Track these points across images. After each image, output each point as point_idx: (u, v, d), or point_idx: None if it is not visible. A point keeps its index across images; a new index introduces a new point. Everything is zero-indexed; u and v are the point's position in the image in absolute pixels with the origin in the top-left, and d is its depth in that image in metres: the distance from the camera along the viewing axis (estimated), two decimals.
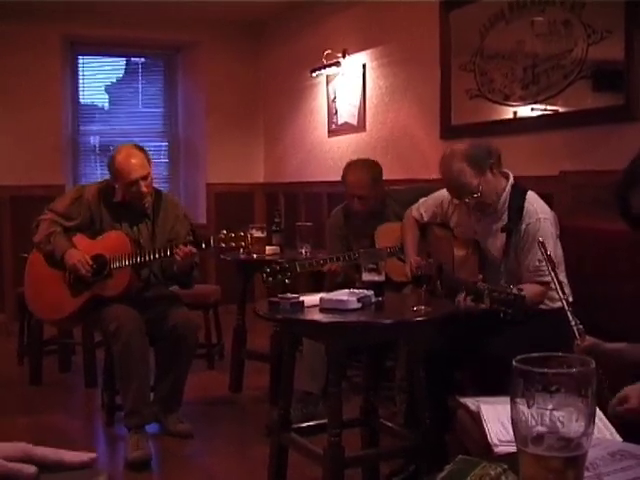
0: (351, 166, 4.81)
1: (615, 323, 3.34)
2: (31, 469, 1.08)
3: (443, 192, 4.03)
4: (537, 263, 3.47)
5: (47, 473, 1.08)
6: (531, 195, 3.65)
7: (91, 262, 4.35)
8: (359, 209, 4.69)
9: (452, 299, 3.46)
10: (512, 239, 3.57)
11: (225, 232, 4.30)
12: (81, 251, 4.38)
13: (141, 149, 4.51)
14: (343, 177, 4.78)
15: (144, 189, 4.40)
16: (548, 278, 3.49)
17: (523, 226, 3.54)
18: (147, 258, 4.32)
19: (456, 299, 3.36)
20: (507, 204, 3.65)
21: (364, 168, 4.78)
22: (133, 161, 4.39)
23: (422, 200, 4.16)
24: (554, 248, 3.56)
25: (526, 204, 3.58)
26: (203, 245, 4.31)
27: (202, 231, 4.73)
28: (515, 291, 3.03)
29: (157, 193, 4.64)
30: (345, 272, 4.56)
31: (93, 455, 1.14)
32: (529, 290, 3.31)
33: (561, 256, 3.64)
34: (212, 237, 4.31)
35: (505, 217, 3.64)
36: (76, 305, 4.43)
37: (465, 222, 3.83)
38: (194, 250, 4.26)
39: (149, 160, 4.50)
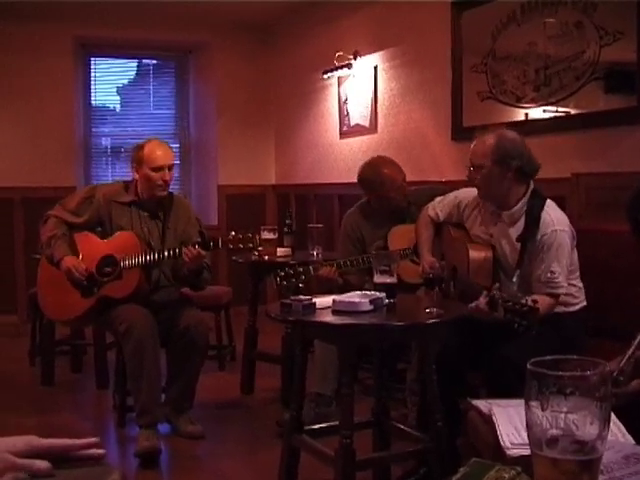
0: (379, 165, 4.77)
1: (627, 324, 3.33)
2: (43, 464, 1.08)
3: (460, 193, 4.01)
4: (549, 275, 3.45)
5: (61, 469, 1.08)
6: (550, 205, 3.61)
7: (85, 266, 4.38)
8: (406, 194, 4.69)
9: (465, 301, 3.45)
10: (527, 248, 3.54)
11: (233, 233, 4.31)
12: (77, 258, 4.42)
13: (167, 144, 4.72)
14: (376, 177, 4.69)
15: (167, 177, 4.47)
16: (559, 290, 3.49)
17: (539, 236, 3.51)
18: (156, 258, 4.34)
19: (471, 304, 3.33)
20: (525, 210, 3.61)
21: (388, 160, 4.87)
22: (161, 150, 4.53)
23: (438, 199, 4.12)
24: (570, 259, 3.54)
25: (544, 214, 3.54)
26: (211, 246, 4.33)
27: (210, 232, 4.74)
28: (530, 303, 3.01)
29: (168, 194, 4.65)
30: (345, 279, 4.51)
31: (102, 451, 1.14)
32: (540, 302, 3.31)
33: (576, 264, 3.63)
34: (220, 238, 4.33)
35: (522, 223, 3.60)
36: (86, 306, 4.45)
37: (481, 225, 3.81)
38: (202, 252, 4.28)
39: (174, 157, 4.68)
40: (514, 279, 3.55)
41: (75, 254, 4.47)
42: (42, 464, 1.08)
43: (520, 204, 3.63)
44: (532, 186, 3.66)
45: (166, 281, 4.59)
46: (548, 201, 3.62)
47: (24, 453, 1.09)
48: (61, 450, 1.12)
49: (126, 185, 4.63)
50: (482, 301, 3.20)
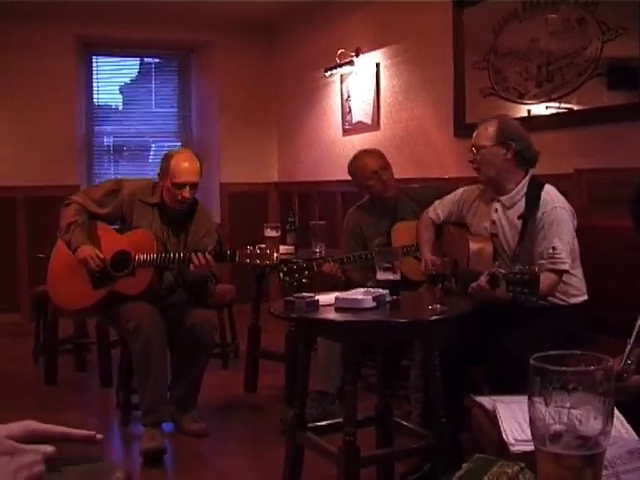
0: (356, 157, 4.86)
1: (629, 320, 3.33)
2: (50, 448, 1.08)
3: (458, 191, 4.06)
4: (551, 251, 3.47)
5: (66, 466, 1.09)
6: (548, 187, 3.68)
7: (102, 257, 4.38)
8: (388, 183, 4.69)
9: (467, 296, 3.46)
10: (528, 227, 3.59)
11: (251, 248, 4.28)
12: (94, 248, 4.40)
13: (199, 158, 4.55)
14: (354, 168, 4.80)
15: (187, 195, 4.43)
16: (562, 266, 3.50)
17: (539, 214, 3.57)
18: (170, 258, 4.33)
19: (472, 284, 3.36)
20: (524, 193, 3.69)
21: (369, 150, 4.92)
22: (186, 167, 4.44)
23: (437, 202, 4.18)
24: (571, 238, 3.56)
25: (543, 194, 3.62)
26: (227, 257, 4.31)
27: (223, 232, 4.72)
28: (529, 270, 3.04)
29: (193, 201, 4.63)
30: (347, 276, 4.52)
31: (99, 436, 1.14)
32: (543, 279, 3.31)
33: (577, 252, 3.64)
34: (237, 252, 4.30)
35: (521, 204, 3.67)
36: (95, 298, 4.45)
37: (482, 214, 3.85)
38: (211, 261, 4.26)
39: (201, 172, 4.54)
40: (516, 252, 3.61)
41: (96, 244, 4.46)
42: (48, 448, 1.08)
43: (519, 187, 3.72)
44: (530, 173, 3.76)
45: (179, 284, 4.59)
46: (547, 185, 3.70)
47: (22, 438, 1.09)
48: (58, 438, 1.12)
49: (154, 185, 4.59)
50: (483, 279, 3.22)
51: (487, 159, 3.72)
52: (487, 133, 3.74)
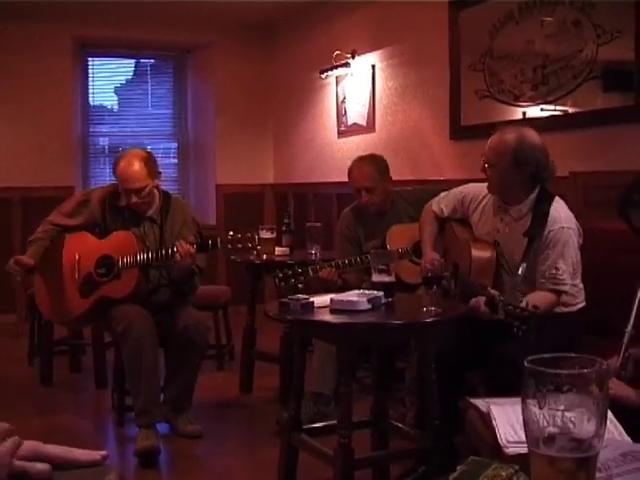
0: (356, 161, 4.83)
1: (625, 323, 3.33)
2: (45, 467, 1.08)
3: (466, 187, 4.00)
4: (554, 271, 3.45)
5: (59, 471, 1.08)
6: (558, 201, 3.60)
7: (29, 262, 4.44)
8: (369, 203, 4.67)
9: (465, 300, 3.45)
10: (533, 244, 3.52)
11: (232, 233, 4.30)
12: (27, 261, 4.46)
13: (144, 160, 4.45)
14: (349, 173, 4.79)
15: (134, 200, 4.41)
16: (563, 287, 3.48)
17: (546, 232, 3.50)
18: (153, 257, 4.32)
19: (473, 299, 3.35)
20: (532, 206, 3.60)
21: (368, 160, 4.81)
22: (129, 172, 4.40)
23: (443, 194, 4.09)
24: (575, 258, 3.54)
25: (552, 210, 3.53)
26: (210, 247, 4.32)
27: (210, 233, 4.72)
28: (530, 308, 3.01)
29: (165, 197, 4.64)
30: (343, 279, 4.52)
31: (104, 453, 1.14)
32: (542, 299, 3.31)
33: (579, 264, 3.62)
34: (219, 239, 4.31)
35: (529, 218, 3.59)
36: (85, 306, 4.44)
37: (487, 220, 3.81)
38: (192, 250, 4.25)
39: (151, 172, 4.46)
40: (519, 272, 3.53)
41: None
42: (44, 467, 1.08)
43: (528, 200, 3.62)
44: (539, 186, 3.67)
45: (165, 281, 4.58)
46: (556, 198, 3.62)
47: (27, 457, 1.09)
48: (64, 463, 1.12)
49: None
50: (482, 305, 3.21)
51: (499, 177, 3.61)
52: (503, 152, 3.55)
